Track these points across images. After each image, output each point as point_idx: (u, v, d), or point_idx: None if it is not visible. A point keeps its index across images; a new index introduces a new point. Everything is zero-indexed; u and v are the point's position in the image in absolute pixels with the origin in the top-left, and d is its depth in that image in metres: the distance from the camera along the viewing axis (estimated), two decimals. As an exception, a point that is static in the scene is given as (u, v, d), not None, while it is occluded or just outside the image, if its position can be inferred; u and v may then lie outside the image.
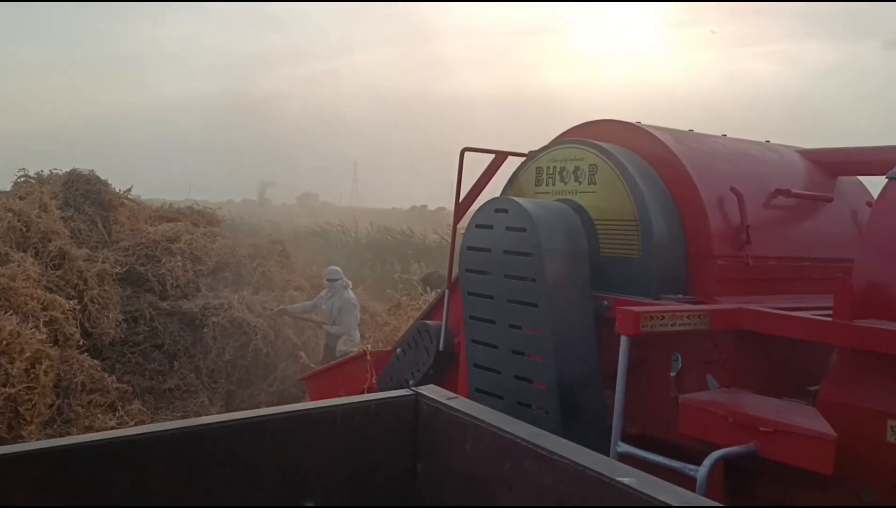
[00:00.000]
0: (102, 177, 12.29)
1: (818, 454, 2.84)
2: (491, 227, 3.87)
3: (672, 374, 3.72)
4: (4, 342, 6.98)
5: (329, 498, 2.97)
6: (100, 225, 11.55)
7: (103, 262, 10.40)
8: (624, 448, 3.27)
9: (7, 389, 6.79)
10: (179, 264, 11.22)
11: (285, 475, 2.86)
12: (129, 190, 12.95)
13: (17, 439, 6.89)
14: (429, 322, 4.90)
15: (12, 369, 6.86)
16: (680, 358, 3.70)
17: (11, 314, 7.52)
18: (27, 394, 6.97)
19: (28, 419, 6.96)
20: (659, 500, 2.22)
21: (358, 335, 9.82)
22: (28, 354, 7.07)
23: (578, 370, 3.58)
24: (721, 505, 2.22)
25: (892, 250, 3.17)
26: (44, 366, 7.18)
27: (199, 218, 13.72)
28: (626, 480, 2.34)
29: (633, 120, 4.21)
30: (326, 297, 10.00)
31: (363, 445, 3.03)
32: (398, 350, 5.17)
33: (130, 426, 6.26)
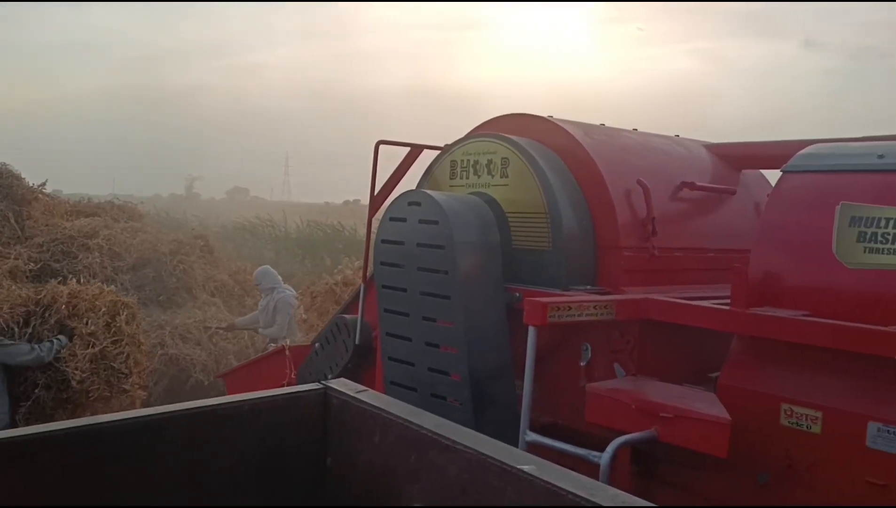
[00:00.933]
0: (18, 171, 11.83)
1: (714, 437, 2.94)
2: (404, 220, 3.88)
3: (582, 364, 3.80)
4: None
5: (236, 495, 2.94)
6: (12, 220, 11.13)
7: (16, 258, 10.04)
8: (532, 437, 3.33)
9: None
10: (97, 260, 10.89)
11: (190, 473, 2.82)
12: (44, 184, 12.51)
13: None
14: (346, 316, 4.89)
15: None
16: (589, 348, 3.79)
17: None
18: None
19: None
20: (557, 486, 2.27)
21: (296, 334, 9.34)
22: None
23: (491, 362, 3.63)
24: (610, 487, 2.28)
25: (786, 240, 3.30)
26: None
27: (120, 213, 13.35)
28: (526, 468, 2.38)
29: (547, 114, 4.28)
30: (263, 300, 9.57)
31: (272, 440, 3.01)
32: (316, 345, 5.15)
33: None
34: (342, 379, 3.40)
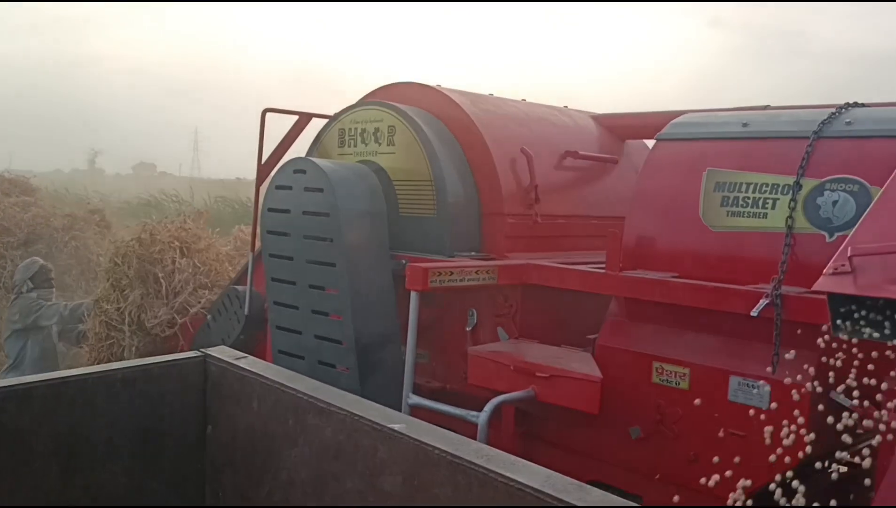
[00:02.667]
0: None
1: (585, 395, 3.06)
2: (290, 188, 3.86)
3: (468, 329, 3.87)
4: None
5: (113, 467, 2.89)
6: None
7: None
8: (414, 399, 3.39)
9: None
10: (-16, 236, 10.41)
11: (59, 444, 2.75)
12: (-78, 159, 11.82)
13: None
14: (238, 287, 4.83)
15: None
16: (475, 313, 3.86)
17: None
18: None
19: None
20: (425, 443, 2.32)
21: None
22: None
23: (376, 328, 3.66)
24: (475, 442, 2.35)
25: (658, 205, 3.43)
26: None
27: (11, 187, 12.75)
28: (396, 426, 2.43)
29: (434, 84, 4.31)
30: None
31: (148, 410, 2.96)
32: (209, 317, 5.08)
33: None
34: (221, 346, 3.37)
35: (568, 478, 2.16)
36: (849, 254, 1.42)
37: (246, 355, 3.13)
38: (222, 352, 3.14)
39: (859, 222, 1.51)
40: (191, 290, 5.69)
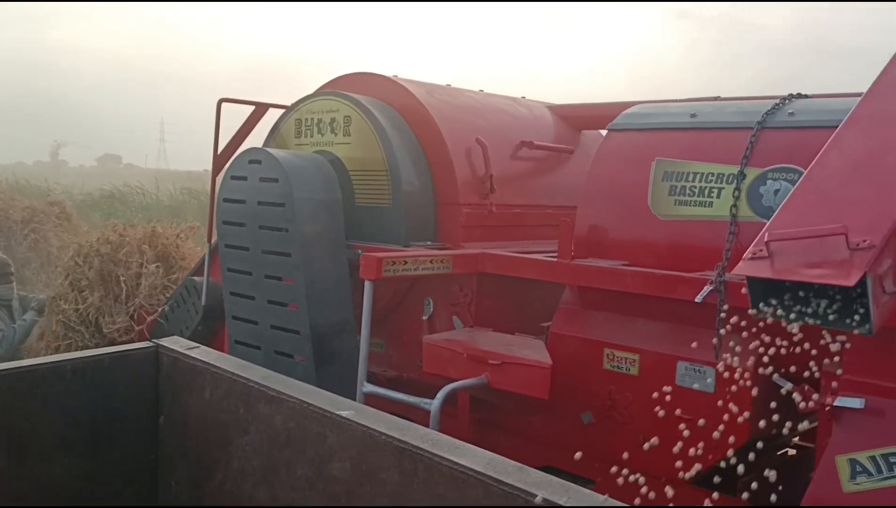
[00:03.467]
0: None
1: (536, 381, 3.11)
2: (245, 178, 3.86)
3: (424, 318, 3.91)
4: None
5: (65, 459, 2.89)
6: None
7: None
8: (369, 388, 3.42)
9: None
10: (-60, 229, 10.24)
11: (9, 436, 2.74)
12: None
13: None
14: (195, 278, 4.82)
15: None
16: (431, 303, 3.90)
17: None
18: None
19: None
20: (373, 429, 2.35)
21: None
22: None
23: (332, 318, 3.68)
24: (422, 427, 2.39)
25: (610, 195, 3.49)
26: None
27: (-31, 180, 12.55)
28: (345, 413, 2.46)
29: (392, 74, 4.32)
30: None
31: (100, 400, 2.96)
32: (166, 308, 5.05)
33: None
34: (174, 337, 3.37)
35: (510, 461, 2.20)
36: (766, 239, 1.47)
37: (198, 345, 3.14)
38: (174, 342, 3.14)
39: (778, 209, 1.57)
40: (146, 294, 5.62)
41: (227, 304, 4.00)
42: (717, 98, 3.99)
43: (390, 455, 2.29)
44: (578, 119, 4.73)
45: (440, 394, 3.15)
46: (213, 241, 4.70)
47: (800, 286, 1.48)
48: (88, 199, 21.66)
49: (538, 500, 1.78)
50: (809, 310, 1.46)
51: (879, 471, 2.71)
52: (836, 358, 1.88)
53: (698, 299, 2.94)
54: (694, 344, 3.08)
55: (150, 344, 3.11)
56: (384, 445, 2.30)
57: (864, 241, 1.37)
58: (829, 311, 1.42)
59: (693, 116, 3.43)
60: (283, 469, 2.62)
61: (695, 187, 3.22)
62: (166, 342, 3.14)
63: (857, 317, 1.38)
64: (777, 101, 3.29)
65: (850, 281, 1.33)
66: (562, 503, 1.93)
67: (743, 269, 1.49)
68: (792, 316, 1.50)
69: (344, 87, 4.26)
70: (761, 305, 1.55)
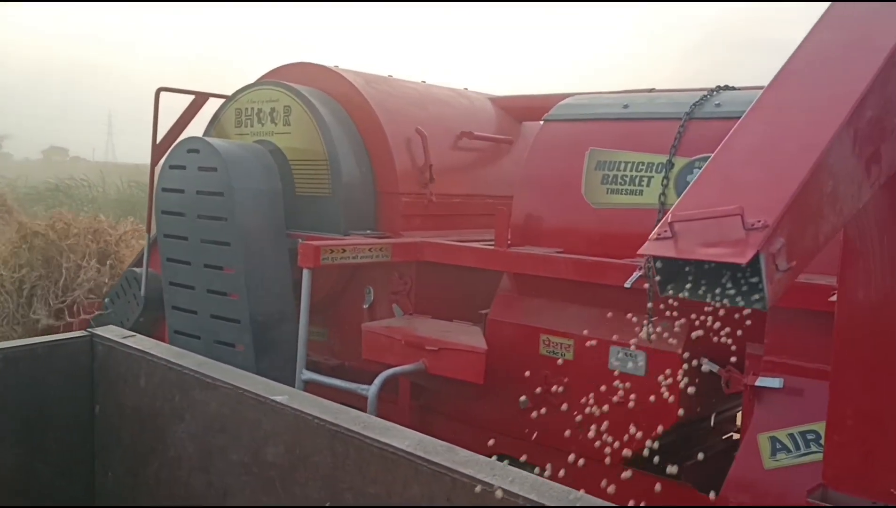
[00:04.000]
0: None
1: (471, 366, 3.16)
2: (184, 167, 3.84)
3: (365, 306, 3.94)
4: None
5: (-3, 449, 2.86)
6: None
7: None
8: (308, 375, 3.44)
9: None
10: None
11: (-63, 427, 2.71)
12: None
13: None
14: (136, 269, 4.77)
15: None
16: (372, 291, 3.94)
17: None
18: None
19: None
20: (306, 412, 2.38)
21: None
22: None
23: (272, 307, 3.69)
24: (353, 410, 2.43)
25: (545, 184, 3.56)
26: None
27: None
28: (279, 398, 2.48)
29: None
30: None
31: (34, 390, 2.94)
32: (107, 300, 5.00)
33: None
34: (110, 326, 3.35)
35: (439, 441, 2.25)
36: (669, 220, 1.55)
37: (134, 334, 3.13)
38: (109, 331, 3.13)
39: (684, 192, 1.64)
40: (86, 289, 5.60)
41: (167, 294, 3.98)
42: (651, 90, 4.08)
43: (323, 439, 2.32)
44: (520, 110, 4.79)
45: (377, 380, 3.19)
46: (153, 232, 4.67)
47: (703, 266, 1.55)
48: (33, 192, 21.15)
49: (498, 493, 1.83)
50: (711, 289, 1.54)
51: (798, 448, 2.84)
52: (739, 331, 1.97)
53: (627, 284, 3.01)
54: (626, 330, 3.17)
55: (85, 333, 3.09)
56: (317, 429, 2.33)
57: (759, 221, 1.45)
58: (728, 289, 1.50)
59: (625, 106, 3.52)
60: (219, 456, 2.63)
61: (626, 176, 3.30)
62: (101, 331, 3.12)
63: (753, 293, 1.46)
64: (705, 92, 3.39)
65: (744, 259, 1.40)
66: (494, 482, 1.98)
67: (648, 249, 1.56)
68: (697, 295, 1.58)
69: (285, 77, 4.26)
70: (665, 284, 1.62)
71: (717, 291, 1.55)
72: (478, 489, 1.93)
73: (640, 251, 1.57)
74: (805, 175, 1.52)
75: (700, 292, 1.59)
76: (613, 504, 1.63)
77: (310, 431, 2.36)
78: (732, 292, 1.51)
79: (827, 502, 2.21)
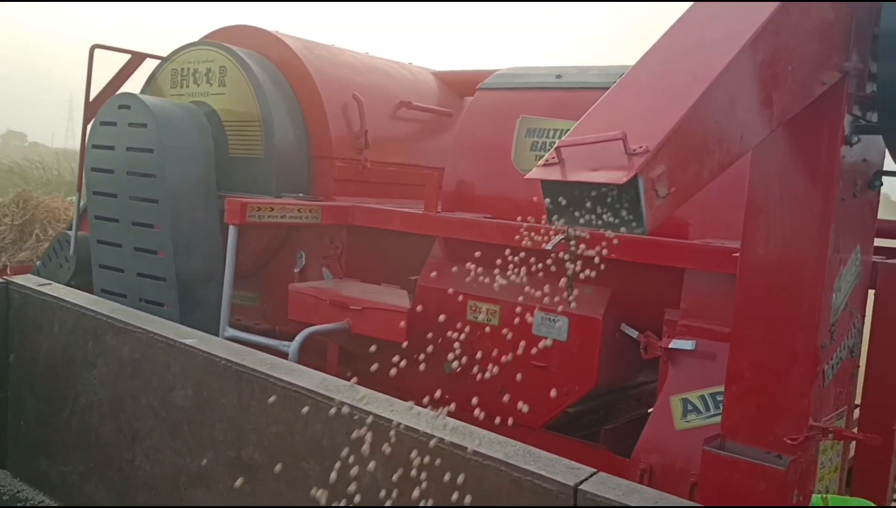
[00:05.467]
0: None
1: (394, 325, 3.17)
2: (115, 124, 3.79)
3: (296, 271, 3.93)
4: None
5: None
6: None
7: None
8: (230, 332, 3.43)
9: None
10: None
11: None
12: None
13: None
14: (68, 232, 4.69)
15: None
16: (304, 256, 3.93)
17: None
18: None
19: None
20: (214, 354, 2.38)
21: None
22: None
23: (199, 266, 3.66)
24: (260, 353, 2.43)
25: (476, 151, 3.58)
26: None
27: None
28: (188, 341, 2.48)
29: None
30: None
31: (-58, 337, 2.89)
32: (39, 263, 4.90)
33: None
34: (28, 275, 3.30)
35: (342, 381, 2.27)
36: (557, 146, 1.57)
37: (50, 282, 3.09)
38: (26, 279, 3.09)
39: (576, 124, 1.67)
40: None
41: (94, 252, 3.92)
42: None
43: (230, 380, 2.33)
44: (461, 84, 4.80)
45: (298, 336, 3.19)
46: (78, 188, 4.60)
47: (588, 195, 1.58)
48: (-15, 174, 20.57)
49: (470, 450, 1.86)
50: (594, 217, 1.57)
51: (708, 409, 2.89)
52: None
53: (548, 246, 3.05)
54: (550, 295, 3.21)
55: (1, 281, 3.04)
56: (224, 370, 2.34)
57: (641, 147, 1.48)
58: (609, 215, 1.53)
59: (558, 77, 3.55)
60: (129, 401, 2.62)
61: (555, 143, 3.33)
62: (17, 278, 3.08)
63: (633, 219, 1.49)
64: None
65: (622, 180, 1.43)
66: (393, 418, 2.00)
67: (535, 173, 1.59)
68: (581, 222, 1.61)
69: (223, 38, 4.22)
70: (555, 217, 1.65)
71: (599, 217, 1.58)
72: (369, 419, 1.95)
73: (527, 176, 1.59)
74: (688, 108, 1.56)
75: (584, 221, 1.62)
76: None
77: (217, 373, 2.36)
78: (613, 218, 1.54)
79: (724, 451, 2.26)
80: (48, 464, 2.91)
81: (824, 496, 1.25)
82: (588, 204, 1.59)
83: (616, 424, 3.38)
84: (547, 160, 1.57)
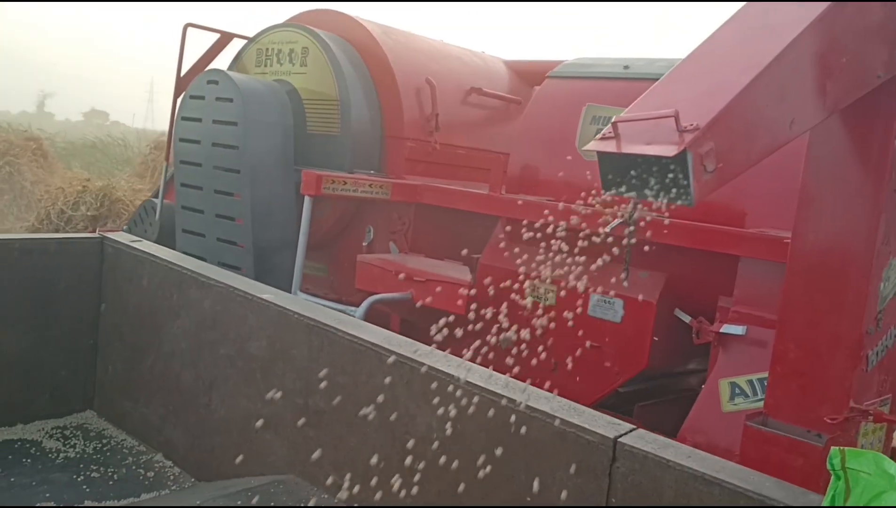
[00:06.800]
0: None
1: (454, 297, 3.33)
2: (203, 98, 4.04)
3: (364, 244, 4.13)
4: None
5: (7, 331, 3.08)
6: None
7: None
8: (302, 295, 3.63)
9: None
10: (-83, 156, 10.29)
11: (-45, 303, 2.93)
12: None
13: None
14: (154, 199, 4.98)
15: None
16: (372, 230, 4.12)
17: None
18: None
19: None
20: (287, 308, 2.57)
21: None
22: None
23: (275, 234, 3.88)
24: (331, 310, 2.61)
25: (541, 136, 3.71)
26: None
27: (-52, 117, 12.58)
28: (265, 296, 2.68)
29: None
30: None
31: (45, 282, 3.16)
32: (124, 228, 5.22)
33: None
34: (121, 232, 3.57)
35: (405, 338, 2.43)
36: (613, 122, 1.70)
37: (141, 239, 3.34)
38: (119, 236, 3.35)
39: (633, 103, 1.79)
40: None
41: (178, 218, 4.19)
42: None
43: (301, 333, 2.51)
44: (531, 74, 4.92)
45: (364, 303, 3.37)
46: (166, 159, 4.88)
47: (641, 167, 1.70)
48: (70, 147, 21.60)
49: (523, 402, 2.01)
50: (647, 187, 1.69)
51: (755, 393, 2.97)
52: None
53: (607, 229, 3.16)
54: (607, 278, 3.32)
55: (96, 235, 3.30)
56: (296, 323, 2.52)
57: (692, 124, 1.60)
58: (659, 186, 1.65)
59: (626, 67, 3.65)
60: (208, 350, 2.84)
61: (619, 131, 3.44)
62: (111, 234, 3.34)
63: (681, 190, 1.61)
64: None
65: (672, 153, 1.55)
66: (453, 373, 2.16)
67: (593, 146, 1.72)
68: (633, 193, 1.73)
69: (306, 21, 4.44)
70: (610, 181, 1.78)
71: (650, 188, 1.70)
72: (423, 369, 2.11)
73: (585, 147, 1.72)
74: (738, 91, 1.67)
75: (636, 192, 1.74)
76: None
77: (290, 326, 2.54)
78: (663, 189, 1.66)
79: (766, 428, 2.35)
80: (131, 406, 3.16)
81: (841, 448, 1.35)
82: (641, 176, 1.71)
83: (650, 402, 3.48)
84: (604, 134, 1.70)
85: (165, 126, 4.73)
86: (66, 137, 26.06)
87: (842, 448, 1.32)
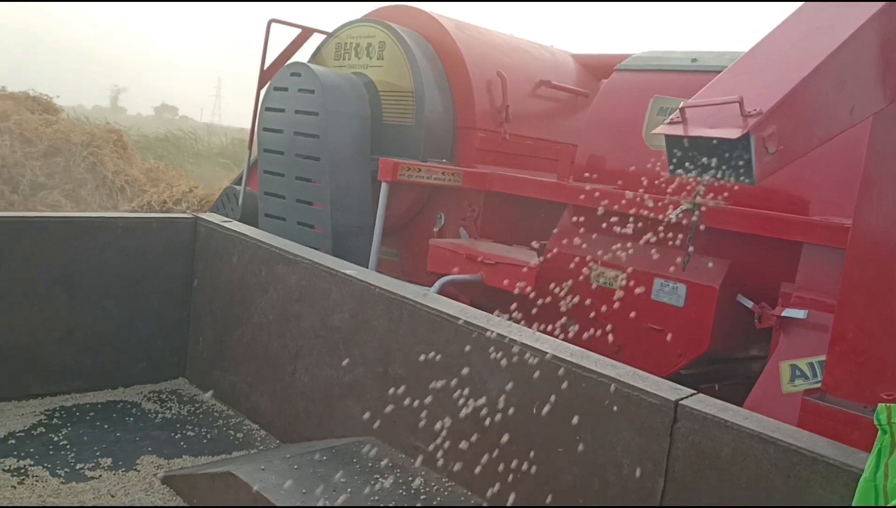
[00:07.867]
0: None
1: (522, 278, 3.48)
2: (286, 89, 4.27)
3: (436, 230, 4.31)
4: None
5: (106, 303, 3.36)
6: None
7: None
8: (377, 276, 3.84)
9: None
10: (6, 143, 10.84)
11: (62, 275, 3.22)
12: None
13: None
14: (236, 187, 5.26)
15: None
16: (443, 217, 4.30)
17: None
18: None
19: None
20: (371, 283, 2.77)
21: None
22: None
23: (352, 219, 4.09)
24: (411, 285, 2.79)
25: (609, 127, 3.83)
26: None
27: (35, 105, 13.18)
28: (349, 271, 2.88)
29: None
30: None
31: (142, 257, 3.44)
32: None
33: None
34: (212, 213, 3.82)
35: (480, 311, 2.60)
36: (681, 107, 1.84)
37: (231, 219, 3.59)
38: (211, 216, 3.60)
39: (699, 91, 1.92)
40: None
41: (261, 203, 4.44)
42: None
43: (381, 305, 2.71)
44: (598, 67, 5.04)
45: (437, 283, 3.55)
46: (249, 147, 5.13)
47: (706, 149, 1.83)
48: (143, 140, 22.39)
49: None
50: (712, 168, 1.82)
51: (815, 375, 3.06)
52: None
53: (672, 215, 3.28)
54: (670, 263, 3.44)
55: (190, 216, 3.57)
56: (377, 297, 2.72)
57: (755, 110, 1.73)
58: (724, 167, 1.78)
59: (694, 60, 3.75)
60: (294, 322, 3.06)
61: (685, 122, 3.54)
62: (204, 215, 3.60)
63: (744, 171, 1.74)
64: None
65: (736, 135, 1.69)
66: (519, 338, 2.32)
67: (661, 129, 1.86)
68: (697, 172, 1.86)
69: (382, 16, 4.64)
70: (676, 163, 1.91)
71: (715, 169, 1.84)
72: (493, 335, 2.27)
73: (653, 131, 1.86)
74: (800, 80, 1.79)
75: (701, 171, 1.87)
76: None
77: (371, 299, 2.75)
78: (726, 170, 1.79)
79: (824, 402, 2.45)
80: (221, 374, 3.40)
81: (888, 405, 1.46)
82: (706, 158, 1.84)
83: (711, 385, 3.59)
84: (672, 119, 1.84)
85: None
86: (139, 130, 27.00)
87: (888, 404, 1.44)
